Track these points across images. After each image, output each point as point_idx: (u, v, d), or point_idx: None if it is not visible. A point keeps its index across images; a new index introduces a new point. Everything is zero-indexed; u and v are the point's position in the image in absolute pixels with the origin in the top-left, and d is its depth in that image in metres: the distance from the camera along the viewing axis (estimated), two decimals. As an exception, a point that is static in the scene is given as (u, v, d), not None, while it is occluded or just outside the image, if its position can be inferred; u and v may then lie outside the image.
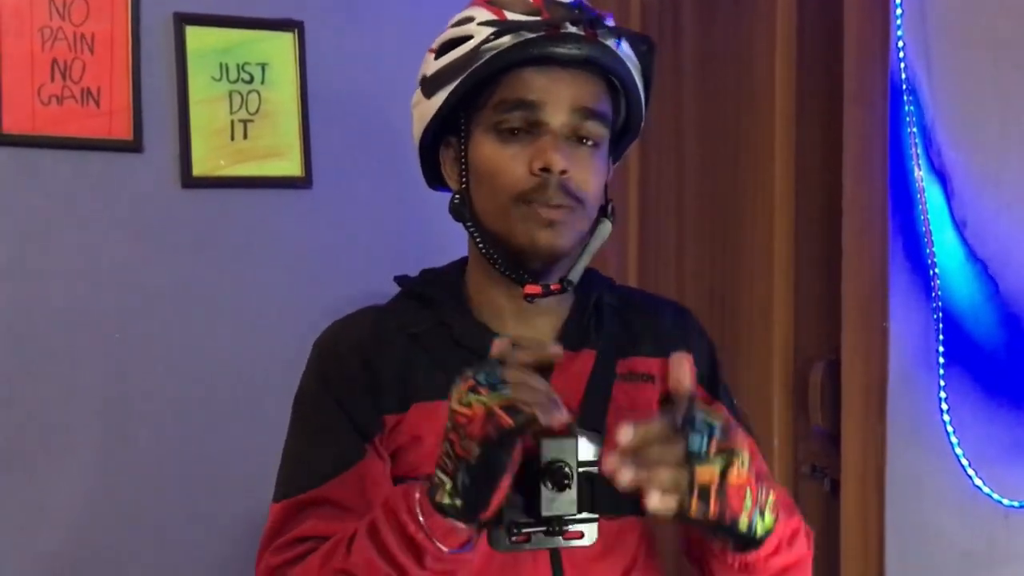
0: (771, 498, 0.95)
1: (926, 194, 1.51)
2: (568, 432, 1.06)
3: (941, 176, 1.52)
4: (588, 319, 1.16)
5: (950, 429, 1.49)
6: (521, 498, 1.04)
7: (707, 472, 0.88)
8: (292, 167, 1.99)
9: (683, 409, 0.90)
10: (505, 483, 0.95)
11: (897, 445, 1.56)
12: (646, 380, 1.15)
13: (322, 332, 1.18)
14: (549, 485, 1.02)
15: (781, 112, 1.86)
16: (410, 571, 0.96)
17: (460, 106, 1.09)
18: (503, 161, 1.06)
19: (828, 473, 1.75)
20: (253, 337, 1.96)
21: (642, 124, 1.16)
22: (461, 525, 0.94)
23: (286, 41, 1.98)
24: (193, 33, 1.91)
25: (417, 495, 0.95)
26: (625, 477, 0.88)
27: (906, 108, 1.52)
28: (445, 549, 0.94)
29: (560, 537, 1.05)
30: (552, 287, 1.09)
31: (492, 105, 1.07)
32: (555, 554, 1.08)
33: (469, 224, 1.12)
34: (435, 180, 1.19)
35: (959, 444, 1.49)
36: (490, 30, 1.05)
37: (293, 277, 1.99)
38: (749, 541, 0.96)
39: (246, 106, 1.95)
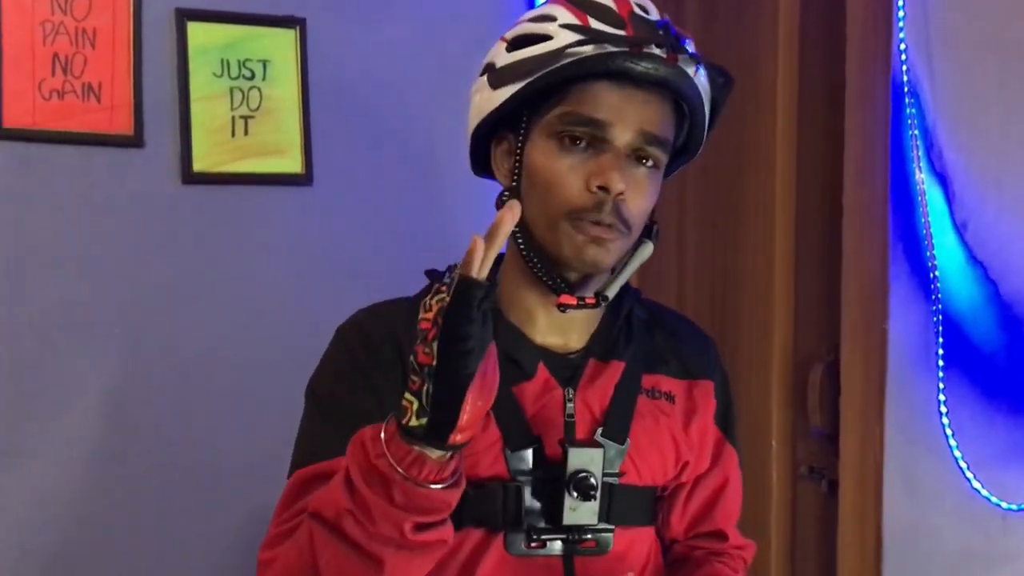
0: None
1: (927, 196, 1.51)
2: (594, 443, 1.06)
3: (942, 178, 1.53)
4: (618, 331, 1.15)
5: (949, 431, 1.50)
6: (541, 504, 1.04)
7: None
8: (293, 164, 1.98)
9: None
10: (472, 398, 0.88)
11: (895, 447, 1.56)
12: (668, 399, 1.15)
13: (347, 319, 1.15)
14: (574, 494, 1.02)
15: (783, 113, 1.86)
16: (374, 509, 0.90)
17: (524, 104, 1.08)
18: (561, 172, 1.05)
19: (826, 474, 1.75)
20: (253, 333, 1.95)
21: (700, 149, 1.15)
22: (429, 454, 0.89)
23: (288, 38, 1.97)
24: (194, 29, 1.91)
25: (384, 424, 0.90)
26: None
27: (908, 110, 1.52)
28: (412, 477, 0.89)
29: (576, 546, 1.06)
30: (587, 300, 1.08)
31: (559, 114, 1.05)
32: (568, 562, 1.07)
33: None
34: (482, 169, 1.17)
35: (957, 447, 1.49)
36: (574, 36, 1.03)
37: (293, 274, 1.99)
38: None
39: (247, 102, 1.95)
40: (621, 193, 1.03)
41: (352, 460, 0.91)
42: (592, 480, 1.01)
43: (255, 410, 1.91)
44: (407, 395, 0.89)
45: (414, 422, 0.88)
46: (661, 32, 1.04)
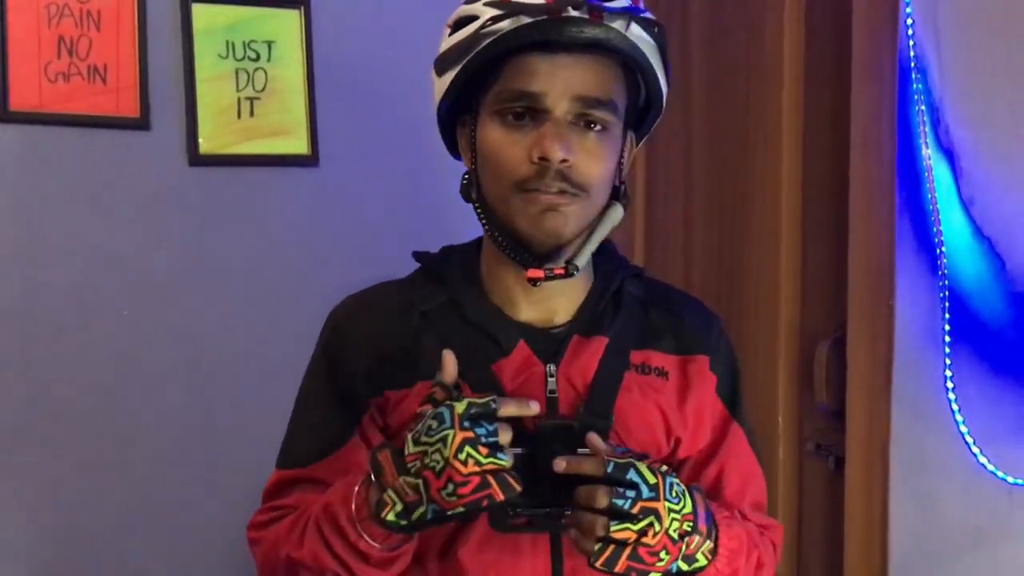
0: (706, 545, 1.01)
1: (933, 172, 1.51)
2: (569, 418, 1.06)
3: (949, 154, 1.52)
4: (604, 305, 1.15)
5: (955, 407, 1.50)
6: (524, 480, 1.05)
7: (624, 532, 0.95)
8: (299, 145, 1.99)
9: (614, 464, 0.97)
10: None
11: (902, 423, 1.56)
12: (660, 375, 1.14)
13: (337, 304, 1.18)
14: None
15: (789, 89, 1.85)
16: (355, 568, 1.03)
17: (470, 87, 1.08)
18: (505, 147, 1.05)
19: (832, 451, 1.75)
20: (259, 315, 1.96)
21: (664, 101, 1.14)
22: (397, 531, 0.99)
23: (292, 18, 1.97)
24: (199, 10, 1.91)
25: (354, 505, 0.99)
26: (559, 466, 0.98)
27: (915, 85, 1.51)
28: (385, 547, 1.01)
29: (561, 521, 1.06)
30: (555, 271, 1.07)
31: (496, 92, 1.06)
32: (555, 539, 1.08)
33: (476, 205, 1.11)
34: (456, 151, 1.19)
35: (964, 422, 1.49)
36: (490, 13, 1.03)
37: (300, 255, 2.00)
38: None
39: (252, 84, 1.95)
40: (564, 160, 1.03)
41: (331, 531, 1.02)
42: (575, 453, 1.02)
43: (262, 392, 1.92)
44: (393, 496, 0.96)
45: (391, 518, 0.96)
46: None
